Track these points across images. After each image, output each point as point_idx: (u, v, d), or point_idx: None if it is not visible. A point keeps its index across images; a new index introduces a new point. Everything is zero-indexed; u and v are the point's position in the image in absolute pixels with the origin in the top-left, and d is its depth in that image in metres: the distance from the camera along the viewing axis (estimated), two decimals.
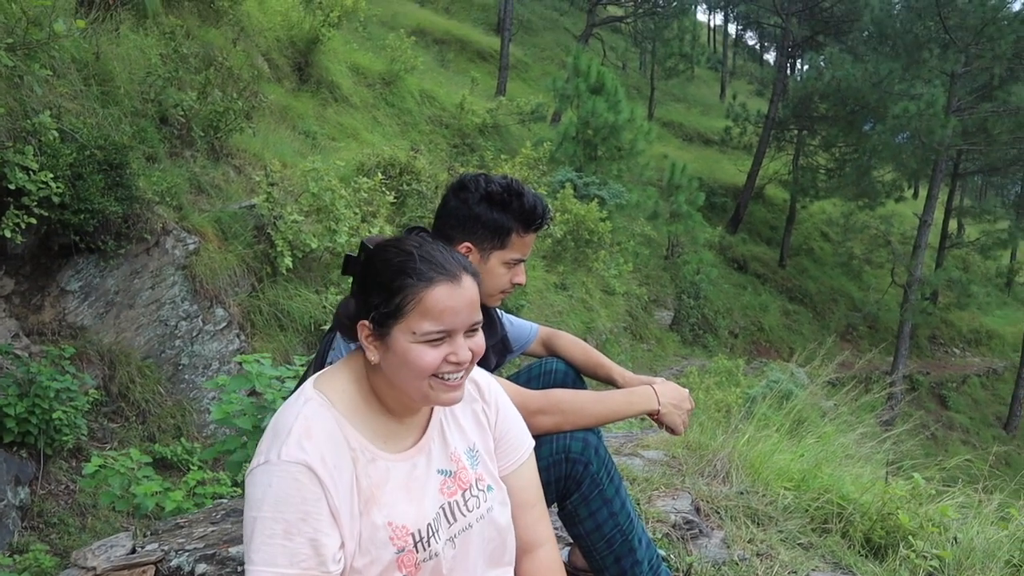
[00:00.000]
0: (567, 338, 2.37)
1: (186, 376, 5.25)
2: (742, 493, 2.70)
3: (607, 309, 12.10)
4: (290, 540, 1.21)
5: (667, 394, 1.96)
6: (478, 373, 1.58)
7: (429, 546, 1.33)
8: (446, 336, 1.29)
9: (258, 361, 3.31)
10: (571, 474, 1.79)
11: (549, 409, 1.82)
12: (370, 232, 6.62)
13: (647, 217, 15.15)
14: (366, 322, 1.33)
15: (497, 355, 2.18)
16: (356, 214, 6.56)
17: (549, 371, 2.23)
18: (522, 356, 2.47)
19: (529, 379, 2.20)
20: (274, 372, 3.31)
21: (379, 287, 1.31)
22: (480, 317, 1.33)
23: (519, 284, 2.01)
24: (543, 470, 1.77)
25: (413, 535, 1.32)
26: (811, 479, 2.79)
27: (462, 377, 1.33)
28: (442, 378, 1.31)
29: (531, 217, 1.94)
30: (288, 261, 5.94)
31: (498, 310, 2.29)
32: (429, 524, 1.35)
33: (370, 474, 1.32)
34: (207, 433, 5.14)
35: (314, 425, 1.28)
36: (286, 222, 6.04)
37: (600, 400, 1.89)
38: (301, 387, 1.37)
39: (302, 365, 3.51)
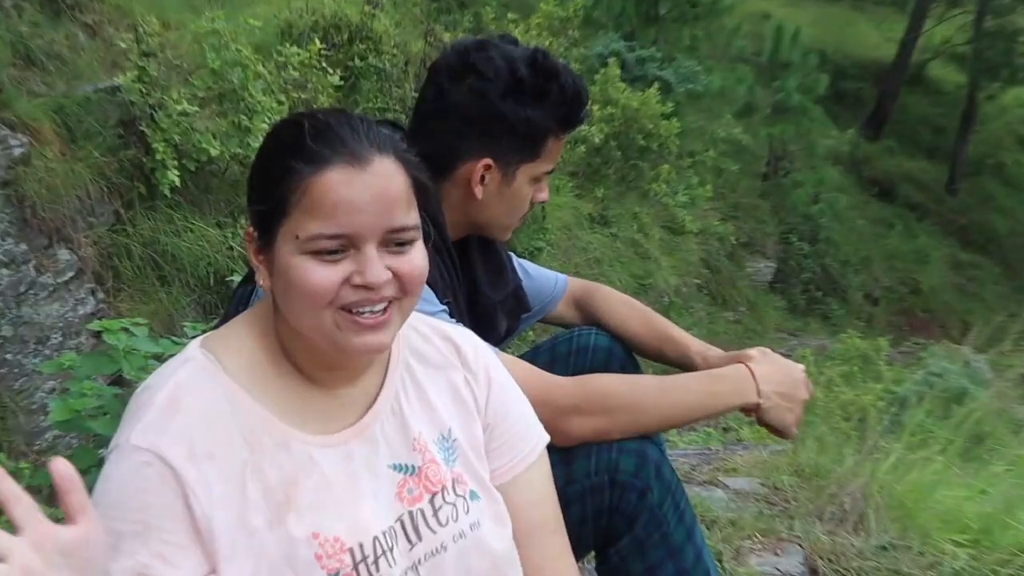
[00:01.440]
0: (613, 296, 2.45)
1: (8, 355, 5.22)
2: (885, 548, 2.72)
3: (671, 256, 12.05)
4: (114, 561, 1.24)
5: (771, 376, 2.01)
6: (455, 331, 1.65)
7: (378, 570, 1.38)
8: (346, 245, 1.35)
9: (127, 330, 3.27)
10: (619, 506, 1.84)
11: (587, 406, 1.87)
12: None
13: (737, 113, 15.15)
14: (250, 229, 1.42)
15: (507, 317, 2.27)
16: (281, 103, 6.51)
17: (585, 347, 2.32)
18: (541, 324, 2.54)
19: (554, 359, 2.32)
20: (153, 347, 3.27)
21: (258, 176, 1.41)
22: (412, 221, 1.39)
23: (542, 203, 2.15)
24: (576, 500, 1.82)
25: (353, 552, 1.37)
26: (998, 531, 2.79)
27: (384, 313, 1.38)
28: (349, 311, 1.36)
29: (574, 108, 2.02)
30: (173, 176, 5.84)
31: (508, 251, 2.41)
32: (377, 539, 1.40)
33: (282, 465, 1.38)
34: (43, 444, 5.12)
35: (186, 397, 1.35)
36: (170, 115, 5.96)
37: (666, 390, 1.94)
38: (186, 347, 1.45)
39: (197, 335, 3.52)
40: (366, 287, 1.35)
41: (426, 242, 1.43)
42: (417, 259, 1.40)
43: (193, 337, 3.38)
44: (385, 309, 1.38)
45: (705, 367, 2.15)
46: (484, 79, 1.96)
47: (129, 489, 1.29)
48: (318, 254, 1.33)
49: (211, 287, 6.01)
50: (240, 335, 1.46)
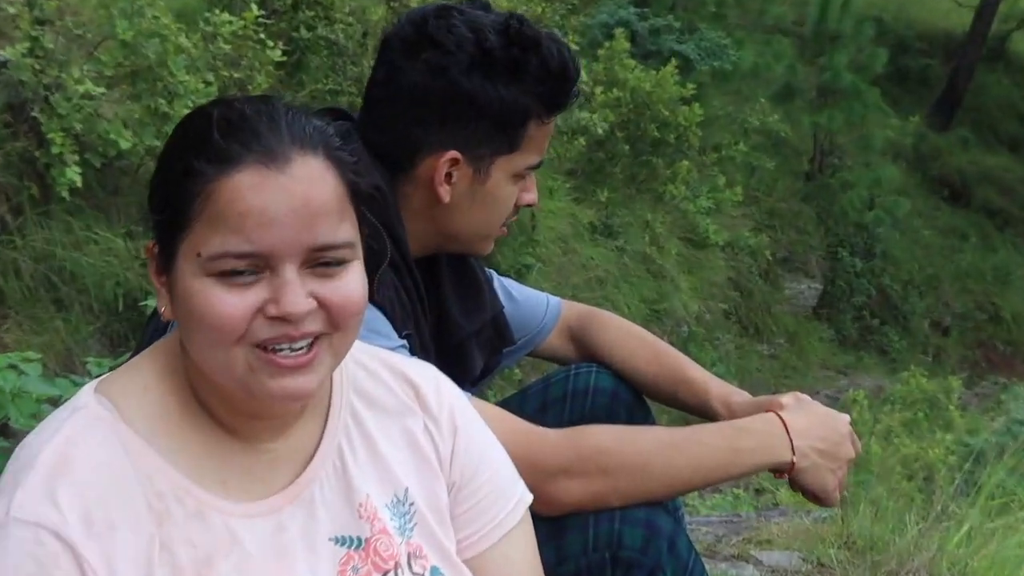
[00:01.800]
0: (617, 325, 2.48)
1: None
2: None
3: (692, 275, 12.03)
4: None
5: (808, 428, 2.03)
6: (412, 366, 1.65)
7: None
8: (260, 266, 1.33)
9: (15, 367, 3.33)
10: None
11: (581, 465, 1.89)
12: None
13: (773, 96, 15.14)
14: (151, 243, 1.41)
15: (484, 351, 2.28)
16: (209, 84, 6.53)
17: (584, 389, 2.34)
18: (529, 359, 2.57)
19: (546, 404, 2.35)
20: (47, 388, 3.34)
21: (158, 178, 1.40)
22: (343, 237, 1.37)
23: (529, 205, 2.15)
24: None
25: None
26: None
27: (308, 351, 1.37)
28: (265, 349, 1.35)
29: (559, 84, 2.02)
30: (73, 175, 5.88)
31: (487, 269, 2.41)
32: None
33: (195, 541, 1.36)
34: None
35: (78, 453, 1.34)
36: (69, 98, 5.96)
37: (679, 445, 1.97)
38: (77, 393, 1.44)
39: (101, 374, 3.51)
40: (283, 319, 1.33)
41: (377, 263, 1.45)
42: (352, 285, 1.38)
43: (98, 376, 3.52)
44: (310, 346, 1.36)
45: (728, 416, 2.17)
46: (444, 52, 1.95)
47: (20, 571, 1.28)
48: (225, 276, 1.32)
49: (119, 313, 5.96)
50: (143, 376, 1.44)
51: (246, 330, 1.32)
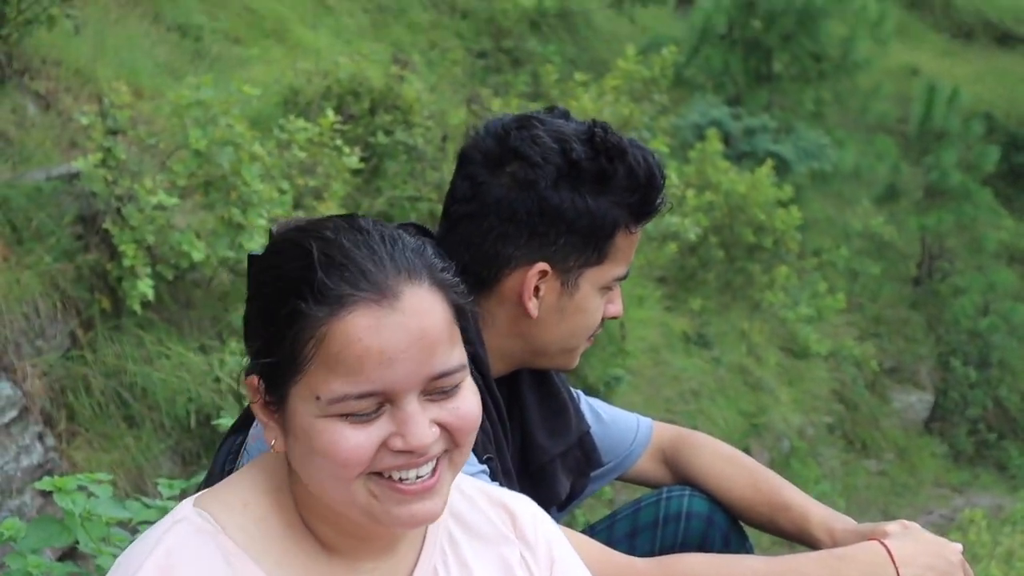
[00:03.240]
0: (711, 448, 2.50)
1: None
2: None
3: (792, 387, 12.01)
4: None
5: (916, 557, 2.03)
6: (509, 496, 1.69)
7: None
8: (381, 402, 1.38)
9: (84, 489, 3.28)
10: None
11: None
12: None
13: (877, 198, 15.17)
14: (254, 378, 1.46)
15: (570, 475, 2.32)
16: (284, 192, 6.59)
17: (676, 514, 2.37)
18: (619, 483, 2.61)
19: (636, 529, 2.39)
20: (118, 511, 3.28)
21: (260, 317, 1.45)
22: (457, 361, 1.42)
23: (614, 317, 2.21)
24: None
25: None
26: None
27: (433, 475, 1.42)
28: (389, 477, 1.40)
29: (647, 193, 2.09)
30: (146, 288, 5.88)
31: (574, 389, 2.45)
32: None
33: None
34: None
35: (182, 567, 1.38)
36: (142, 209, 5.98)
37: (777, 575, 2.01)
38: (175, 508, 1.49)
39: (173, 497, 3.52)
40: (409, 452, 1.38)
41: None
42: (469, 402, 1.43)
43: (170, 498, 3.44)
44: (434, 471, 1.41)
45: (830, 543, 2.17)
46: (530, 164, 2.02)
47: None
48: (347, 416, 1.36)
49: (192, 430, 5.97)
50: (244, 491, 1.48)
51: (369, 464, 1.37)
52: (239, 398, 5.84)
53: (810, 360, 12.60)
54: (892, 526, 2.12)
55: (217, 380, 6.09)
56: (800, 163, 13.17)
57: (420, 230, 2.08)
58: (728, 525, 2.36)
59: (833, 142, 13.89)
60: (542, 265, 2.03)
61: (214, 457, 2.04)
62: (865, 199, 14.95)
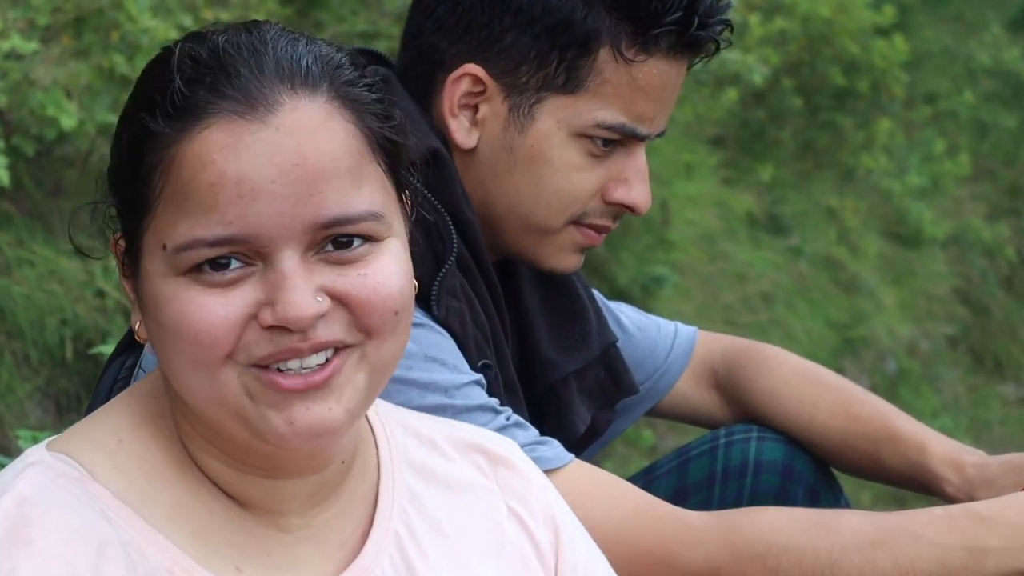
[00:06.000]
0: (785, 363, 2.47)
1: None
2: None
3: (900, 287, 11.05)
4: None
5: None
6: (486, 437, 1.67)
7: None
8: (248, 256, 1.32)
9: None
10: None
11: (739, 568, 1.85)
12: None
13: (1011, 22, 14.21)
14: (117, 237, 1.47)
15: (590, 402, 2.27)
16: (185, 30, 6.22)
17: (739, 466, 2.34)
18: (660, 423, 2.62)
19: (683, 489, 2.36)
20: None
21: (113, 148, 1.43)
22: (366, 205, 1.34)
23: (625, 207, 2.06)
24: None
25: None
26: None
27: (324, 369, 1.34)
28: (265, 367, 1.33)
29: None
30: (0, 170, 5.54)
31: (588, 286, 2.40)
32: None
33: None
34: None
35: (39, 512, 1.33)
36: None
37: (888, 541, 1.89)
38: (24, 453, 1.47)
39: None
40: (284, 327, 1.30)
41: (438, 260, 1.56)
42: (387, 272, 1.36)
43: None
44: (327, 361, 1.34)
45: (962, 485, 2.14)
46: None
47: None
48: (201, 273, 1.31)
49: (67, 363, 5.48)
50: (112, 427, 1.43)
51: (236, 344, 1.32)
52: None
53: (924, 248, 11.67)
54: None
55: (101, 294, 5.69)
56: None
57: (375, 59, 1.90)
58: (814, 474, 2.33)
59: None
60: (471, 67, 1.94)
61: (95, 389, 1.90)
62: (995, 24, 13.91)
